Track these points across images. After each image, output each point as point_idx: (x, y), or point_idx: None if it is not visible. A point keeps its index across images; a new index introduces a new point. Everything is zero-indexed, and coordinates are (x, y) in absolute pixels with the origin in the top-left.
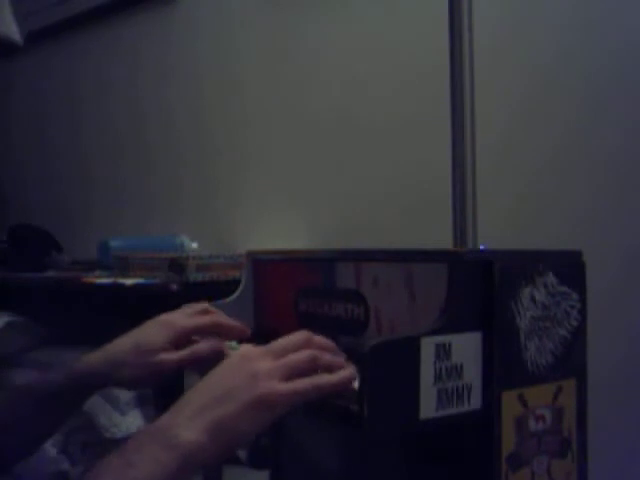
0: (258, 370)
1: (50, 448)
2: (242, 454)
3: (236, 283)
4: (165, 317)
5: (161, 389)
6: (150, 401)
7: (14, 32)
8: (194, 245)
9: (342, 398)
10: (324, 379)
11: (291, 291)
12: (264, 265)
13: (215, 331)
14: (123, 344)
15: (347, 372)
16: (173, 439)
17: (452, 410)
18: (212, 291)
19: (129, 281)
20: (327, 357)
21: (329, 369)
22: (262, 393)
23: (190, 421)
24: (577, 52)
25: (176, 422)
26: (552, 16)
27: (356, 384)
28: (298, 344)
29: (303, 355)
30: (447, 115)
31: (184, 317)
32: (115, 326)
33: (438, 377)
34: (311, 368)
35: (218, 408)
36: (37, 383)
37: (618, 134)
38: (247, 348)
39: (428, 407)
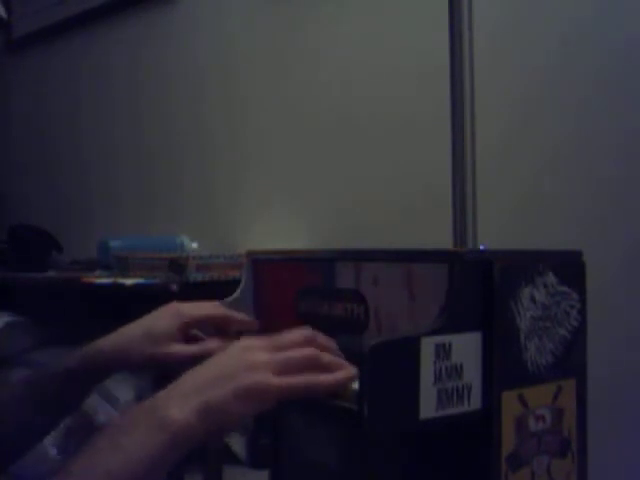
0: (254, 360)
1: (49, 448)
2: (242, 454)
3: (236, 283)
4: (176, 305)
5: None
6: None
7: None
8: (194, 245)
9: (340, 398)
10: (319, 379)
11: (291, 291)
12: (264, 265)
13: (224, 322)
14: (134, 330)
15: (344, 374)
16: (162, 419)
17: (452, 410)
18: (212, 291)
19: (129, 281)
20: (327, 357)
21: (327, 369)
22: (254, 382)
23: (180, 402)
24: (577, 52)
25: (166, 402)
26: (552, 16)
27: (356, 384)
28: (300, 340)
29: (303, 352)
30: (447, 115)
31: (195, 306)
32: (115, 326)
33: (438, 377)
34: (309, 366)
35: (209, 391)
36: (49, 368)
37: (618, 134)
38: (248, 340)
39: (428, 407)
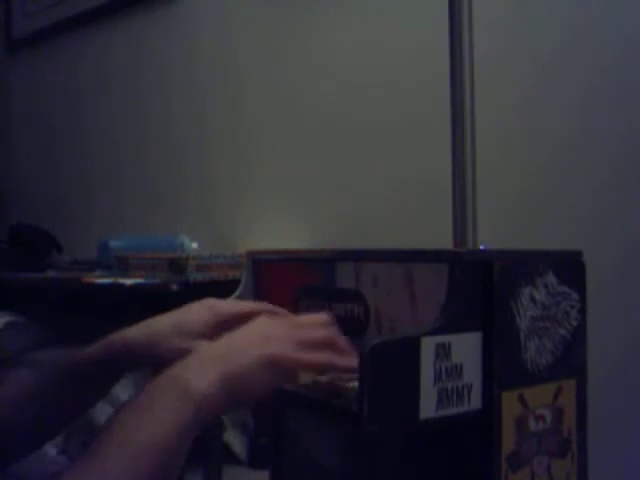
0: (274, 334)
1: (50, 449)
2: (242, 454)
3: (236, 283)
4: (211, 301)
5: None
6: None
7: None
8: (194, 245)
9: (342, 398)
10: (337, 359)
11: (291, 291)
12: (264, 265)
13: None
14: (164, 323)
15: (357, 361)
16: (185, 388)
17: (452, 410)
18: (212, 291)
19: (129, 281)
20: (343, 341)
21: (343, 353)
22: (274, 353)
23: (203, 370)
24: (577, 52)
25: (188, 371)
26: (552, 16)
27: (356, 384)
28: (317, 323)
29: (320, 333)
30: (447, 115)
31: (229, 303)
32: (115, 326)
33: (438, 377)
34: (326, 346)
35: (230, 361)
36: (71, 358)
37: (618, 134)
38: (267, 318)
39: (428, 407)
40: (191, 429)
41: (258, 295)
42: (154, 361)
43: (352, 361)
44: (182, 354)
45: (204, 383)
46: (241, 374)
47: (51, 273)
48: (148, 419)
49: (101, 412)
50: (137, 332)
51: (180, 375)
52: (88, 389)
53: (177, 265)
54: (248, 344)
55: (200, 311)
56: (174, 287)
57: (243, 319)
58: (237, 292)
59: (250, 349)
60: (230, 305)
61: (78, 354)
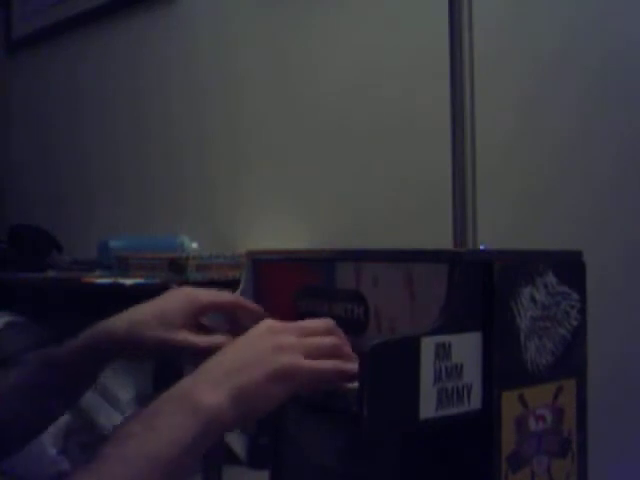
0: (283, 343)
1: (50, 448)
2: (242, 454)
3: (236, 283)
4: (188, 289)
5: (162, 389)
6: (150, 400)
7: None
8: (194, 245)
9: (342, 398)
10: (347, 366)
11: (291, 291)
12: (264, 265)
13: (234, 311)
14: (145, 312)
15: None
16: (196, 403)
17: (452, 410)
18: None
19: (129, 281)
20: (348, 348)
21: (349, 360)
22: (286, 364)
23: (213, 386)
24: (577, 52)
25: (198, 387)
26: (552, 16)
27: (356, 384)
28: (321, 329)
29: (327, 340)
30: (447, 115)
31: (207, 292)
32: None
33: (438, 377)
34: (332, 354)
35: (241, 375)
36: (55, 349)
37: (618, 134)
38: (272, 321)
39: (428, 407)
40: (200, 445)
41: (258, 295)
42: (137, 350)
43: (356, 367)
44: (164, 343)
45: (214, 399)
46: (252, 388)
47: (51, 273)
48: (156, 434)
49: (101, 412)
50: (119, 322)
51: (190, 390)
52: (74, 380)
53: (177, 265)
54: (258, 356)
55: (179, 299)
56: (174, 287)
57: (219, 309)
58: (237, 292)
59: (261, 362)
60: (207, 294)
61: (62, 346)
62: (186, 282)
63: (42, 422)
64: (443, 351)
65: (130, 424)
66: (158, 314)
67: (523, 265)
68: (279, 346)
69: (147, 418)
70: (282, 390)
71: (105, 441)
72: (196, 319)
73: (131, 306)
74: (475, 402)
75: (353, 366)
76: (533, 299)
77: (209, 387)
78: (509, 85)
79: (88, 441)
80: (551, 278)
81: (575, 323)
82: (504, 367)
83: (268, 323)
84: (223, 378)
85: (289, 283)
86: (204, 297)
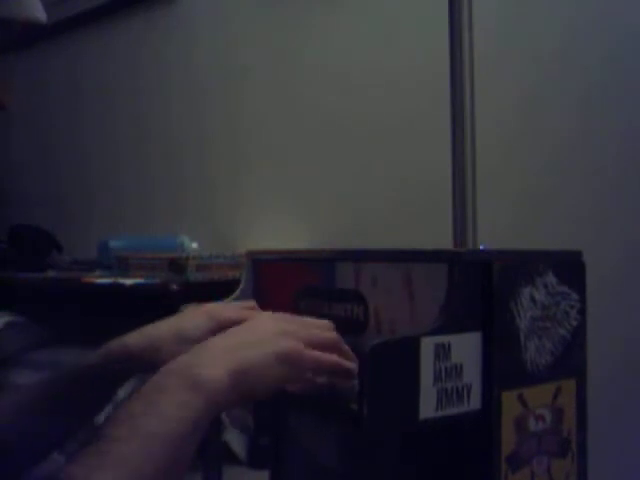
0: (286, 329)
1: None
2: (242, 454)
3: (236, 283)
4: (207, 306)
5: None
6: None
7: (38, 10)
8: (194, 245)
9: (342, 398)
10: (345, 361)
11: (291, 291)
12: (264, 265)
13: None
14: (164, 330)
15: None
16: (196, 377)
17: (452, 410)
18: (212, 291)
19: (129, 281)
20: (345, 346)
21: (347, 357)
22: (290, 348)
23: (213, 363)
24: (577, 52)
25: (199, 363)
26: (552, 16)
27: (356, 384)
28: (322, 326)
29: (328, 335)
30: (447, 115)
31: (225, 308)
32: (115, 326)
33: (438, 377)
34: (332, 348)
35: (244, 351)
36: (67, 367)
37: (618, 134)
38: (274, 313)
39: (428, 407)
40: (201, 420)
41: (258, 295)
42: (155, 367)
43: (354, 366)
44: None
45: (216, 375)
46: (253, 368)
47: (51, 273)
48: (158, 409)
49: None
50: (137, 338)
51: (191, 365)
52: (90, 396)
53: (177, 265)
54: (261, 338)
55: (198, 317)
56: (174, 287)
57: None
58: (237, 292)
59: (264, 343)
60: (227, 310)
61: (79, 362)
62: (186, 282)
63: (58, 437)
64: (443, 351)
65: (131, 401)
66: (177, 331)
67: (523, 265)
68: (282, 331)
69: (149, 395)
70: (282, 373)
71: (107, 421)
72: (215, 335)
73: (131, 306)
74: (475, 402)
75: (352, 364)
76: (533, 299)
77: (210, 363)
78: (509, 85)
79: (88, 441)
80: (551, 278)
81: (575, 323)
82: (504, 367)
83: (269, 313)
84: (225, 355)
85: (289, 283)
86: (223, 314)
